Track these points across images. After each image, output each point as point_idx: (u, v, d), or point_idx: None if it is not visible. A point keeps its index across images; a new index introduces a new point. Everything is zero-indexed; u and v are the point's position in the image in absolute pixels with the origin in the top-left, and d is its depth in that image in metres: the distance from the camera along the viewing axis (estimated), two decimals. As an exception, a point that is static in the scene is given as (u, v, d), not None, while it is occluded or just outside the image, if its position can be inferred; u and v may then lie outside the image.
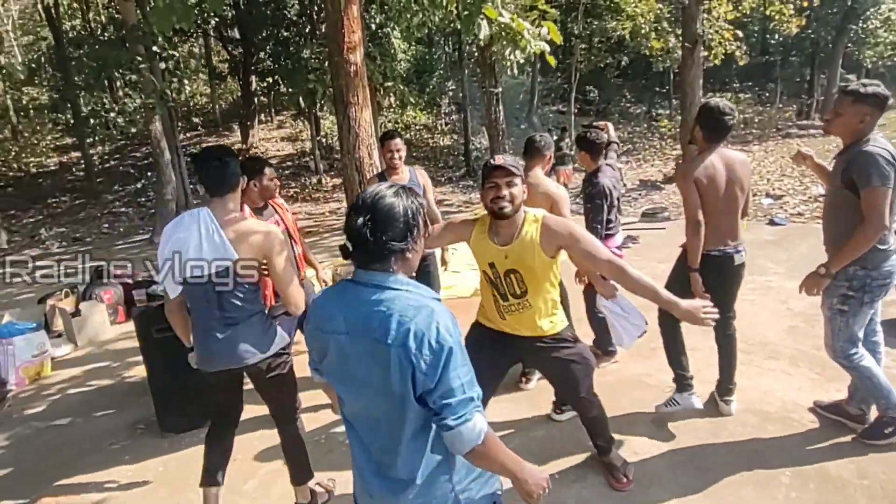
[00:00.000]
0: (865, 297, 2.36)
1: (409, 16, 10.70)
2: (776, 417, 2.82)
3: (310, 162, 16.14)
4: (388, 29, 12.24)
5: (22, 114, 20.26)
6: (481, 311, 2.34)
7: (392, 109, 17.66)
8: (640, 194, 10.46)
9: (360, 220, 1.22)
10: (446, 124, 19.27)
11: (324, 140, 16.39)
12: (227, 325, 2.15)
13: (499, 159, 1.99)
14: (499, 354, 2.27)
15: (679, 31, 12.99)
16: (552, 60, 3.97)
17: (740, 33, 11.53)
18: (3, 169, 17.39)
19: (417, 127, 18.84)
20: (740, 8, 11.51)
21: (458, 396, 1.19)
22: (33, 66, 20.00)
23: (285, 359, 2.34)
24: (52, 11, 15.26)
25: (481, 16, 3.78)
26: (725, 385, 2.88)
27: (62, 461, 3.16)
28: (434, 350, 1.18)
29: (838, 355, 2.48)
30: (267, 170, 2.86)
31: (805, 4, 11.33)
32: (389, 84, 10.39)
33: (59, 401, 4.01)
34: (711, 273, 2.61)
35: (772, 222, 7.00)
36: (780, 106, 20.21)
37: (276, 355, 2.28)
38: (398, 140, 3.40)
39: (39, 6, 16.80)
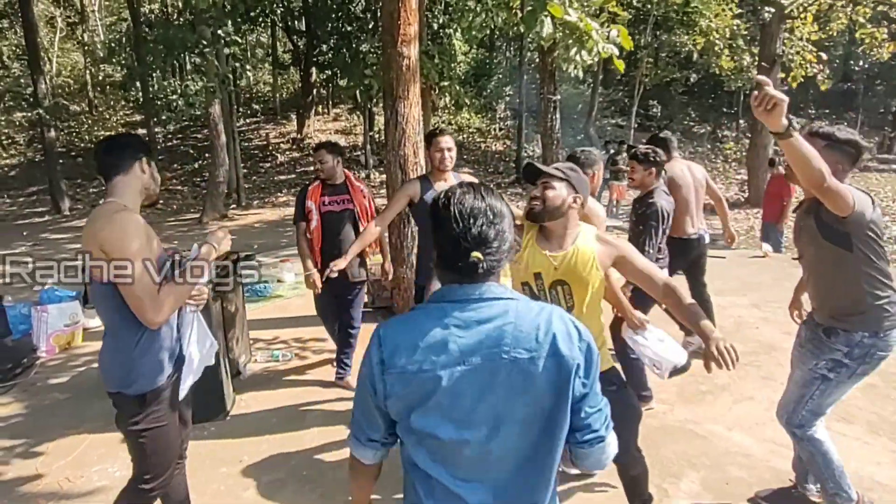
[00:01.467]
0: (860, 369, 1.98)
1: (471, 16, 10.52)
2: (848, 494, 2.42)
3: (360, 156, 16.22)
4: (450, 30, 12.10)
5: (98, 89, 21.37)
6: None
7: (447, 110, 17.54)
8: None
9: (491, 227, 1.03)
10: (500, 129, 19.00)
11: (376, 136, 16.44)
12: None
13: (534, 165, 1.94)
14: None
15: (755, 50, 12.27)
16: (620, 65, 3.66)
17: (824, 56, 10.73)
18: (76, 139, 18.31)
19: (471, 130, 18.66)
20: (827, 29, 10.72)
21: (602, 402, 1.12)
22: (113, 45, 21.06)
23: (149, 414, 1.79)
24: (133, -7, 15.97)
25: (546, 13, 3.51)
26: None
27: (75, 436, 3.10)
28: (582, 349, 1.05)
29: (792, 423, 2.11)
30: (314, 154, 3.47)
31: (901, 29, 10.44)
32: (446, 84, 10.23)
33: (83, 373, 4.01)
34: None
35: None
36: (861, 137, 18.82)
37: (136, 399, 1.77)
38: (448, 138, 2.96)
39: (123, -12, 17.62)
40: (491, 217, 1.04)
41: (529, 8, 3.58)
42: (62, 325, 4.35)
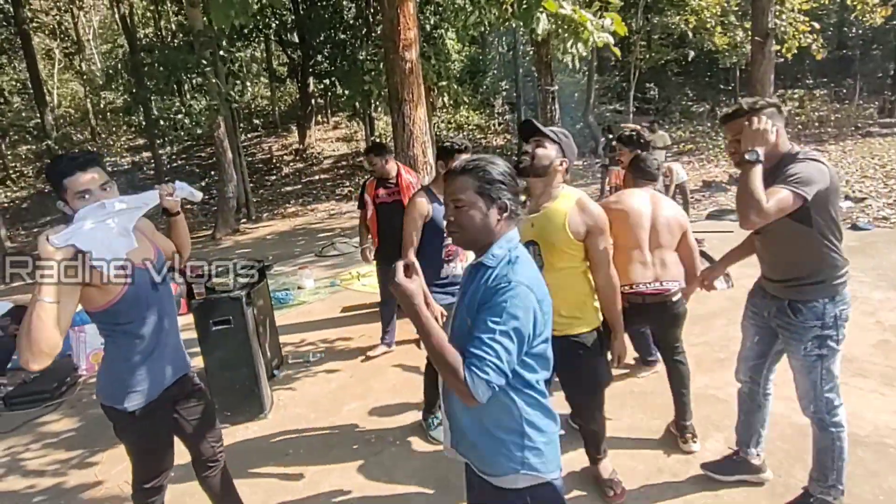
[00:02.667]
0: (841, 332, 1.99)
1: (464, 15, 10.64)
2: (868, 443, 2.53)
3: (364, 162, 16.38)
4: (442, 30, 12.23)
5: (100, 116, 21.69)
6: None
7: (445, 109, 17.67)
8: (703, 195, 9.94)
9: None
10: (499, 124, 19.11)
11: (378, 140, 16.63)
12: None
13: (532, 123, 2.11)
14: None
15: (747, 25, 12.31)
16: (617, 52, 3.79)
17: (817, 25, 10.76)
18: (83, 168, 18.58)
19: (470, 127, 18.78)
20: (818, -2, 10.76)
21: None
22: (111, 71, 21.34)
23: (140, 430, 1.81)
24: (128, 20, 16.24)
25: (541, 9, 3.65)
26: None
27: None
28: None
29: (821, 411, 2.04)
30: (364, 157, 4.17)
31: (892, -8, 10.45)
32: (443, 84, 10.36)
33: (124, 388, 4.18)
34: None
35: (854, 227, 6.46)
36: (860, 103, 18.81)
37: (127, 414, 1.77)
38: (465, 156, 2.89)
39: (116, 16, 17.88)
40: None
41: (525, 6, 3.71)
42: (99, 343, 4.53)
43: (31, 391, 3.96)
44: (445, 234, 2.76)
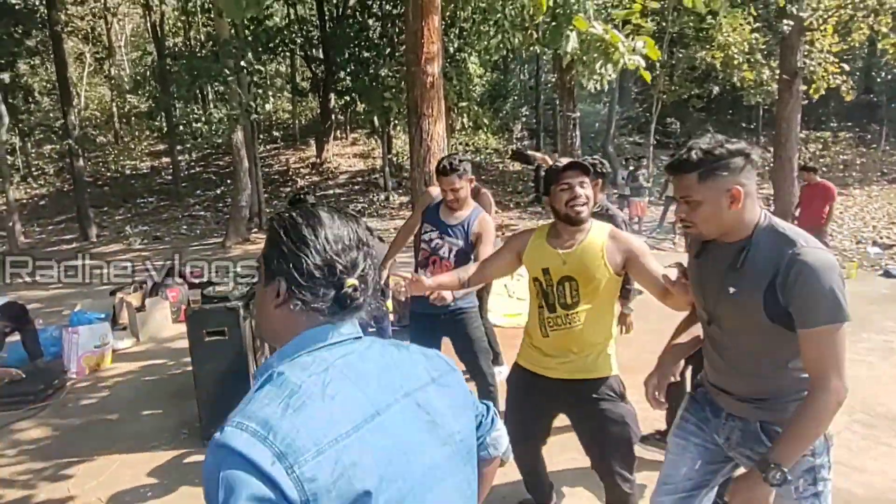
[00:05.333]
0: (831, 454, 1.46)
1: (487, 39, 10.63)
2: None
3: (379, 179, 16.36)
4: (465, 54, 12.26)
5: (124, 120, 22.05)
6: (523, 345, 2.10)
7: (464, 132, 17.68)
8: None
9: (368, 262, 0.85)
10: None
11: (394, 159, 16.61)
12: None
13: (565, 160, 1.95)
14: (544, 399, 2.02)
15: (774, 64, 12.17)
16: (647, 76, 3.63)
17: (847, 67, 10.58)
18: (102, 169, 18.82)
19: (488, 151, 18.75)
20: (849, 40, 10.59)
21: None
22: (138, 77, 21.80)
23: None
24: (158, 29, 16.57)
25: (571, 27, 3.51)
26: None
27: (105, 457, 3.08)
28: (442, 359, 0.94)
29: None
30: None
31: (925, 39, 10.23)
32: (464, 104, 10.30)
33: (111, 395, 4.00)
34: None
35: (886, 274, 6.18)
36: (886, 149, 18.51)
37: None
38: (454, 177, 2.58)
39: (148, 24, 18.28)
40: (362, 243, 0.84)
41: (553, 23, 3.58)
42: (92, 346, 4.37)
43: (14, 392, 3.79)
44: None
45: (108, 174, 18.52)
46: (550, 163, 3.20)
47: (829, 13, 10.15)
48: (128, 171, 18.80)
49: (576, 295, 1.87)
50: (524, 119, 19.81)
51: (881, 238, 8.81)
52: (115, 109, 21.22)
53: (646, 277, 1.82)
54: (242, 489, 0.63)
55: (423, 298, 2.30)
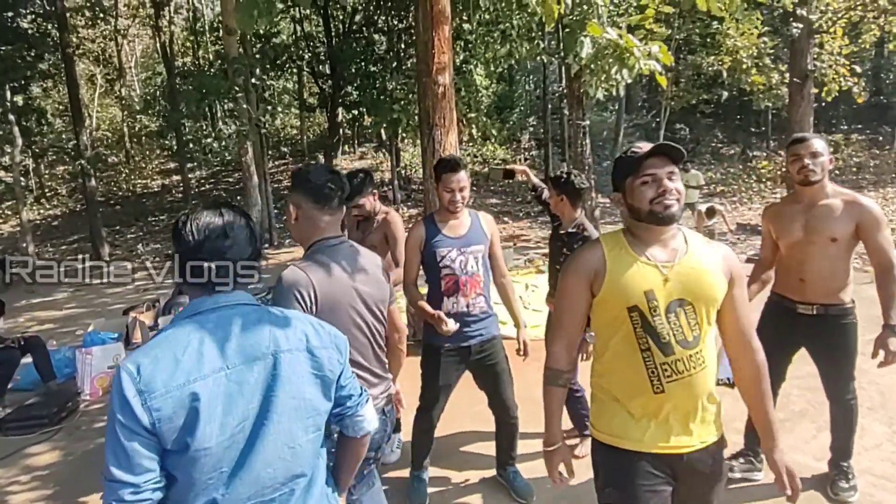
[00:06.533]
0: None
1: (493, 50, 10.66)
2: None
3: (388, 192, 16.38)
4: (472, 66, 12.30)
5: (135, 140, 22.32)
6: (606, 414, 1.47)
7: (472, 143, 17.70)
8: (738, 238, 9.55)
9: (225, 240, 1.12)
10: (525, 160, 19.04)
11: (403, 171, 16.63)
12: None
13: (670, 145, 1.39)
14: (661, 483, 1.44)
15: (783, 68, 12.08)
16: (663, 81, 3.57)
17: (858, 69, 10.47)
18: (114, 188, 19.01)
19: (496, 161, 18.74)
20: (859, 41, 10.49)
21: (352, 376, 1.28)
22: (148, 98, 22.09)
23: None
24: (168, 49, 16.80)
25: (585, 33, 3.46)
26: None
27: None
28: (333, 339, 1.22)
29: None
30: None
31: (937, 38, 10.14)
32: (472, 115, 10.29)
33: (126, 416, 3.95)
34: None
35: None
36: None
37: None
38: (462, 175, 2.36)
39: (158, 44, 18.55)
40: (228, 231, 1.12)
41: (568, 30, 3.54)
42: (106, 366, 4.33)
43: (29, 416, 3.75)
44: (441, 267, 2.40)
45: (120, 193, 18.70)
46: (531, 174, 3.10)
47: (839, 15, 10.07)
48: (139, 190, 18.99)
49: (696, 326, 1.39)
50: (531, 129, 19.80)
51: (901, 241, 8.62)
52: (125, 129, 21.50)
53: (735, 317, 1.45)
54: (117, 403, 0.99)
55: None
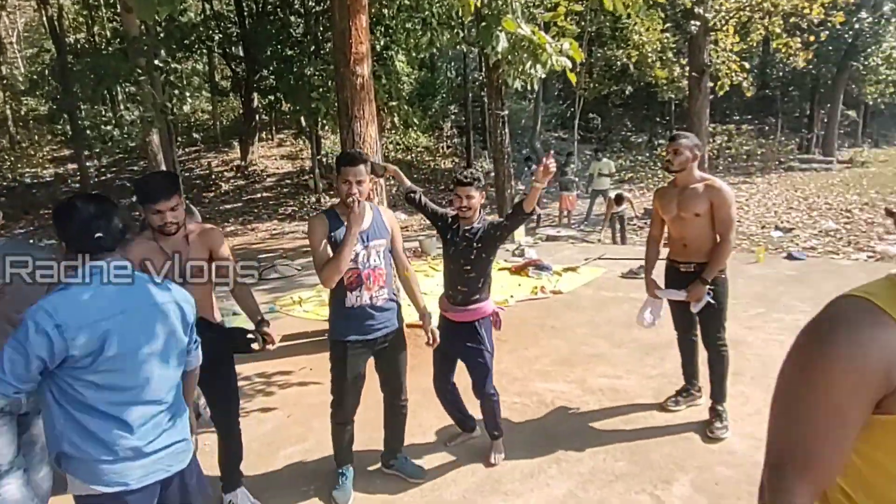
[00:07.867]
0: None
1: (414, 38, 10.61)
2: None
3: (309, 181, 15.94)
4: (392, 52, 12.18)
5: (21, 124, 20.11)
6: None
7: (394, 131, 17.57)
8: (645, 223, 10.22)
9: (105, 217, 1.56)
10: (448, 147, 19.19)
11: (324, 159, 16.23)
12: None
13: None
14: None
15: (684, 62, 12.99)
16: (573, 77, 3.75)
17: (747, 65, 11.47)
18: (-2, 178, 17.10)
19: (419, 149, 18.74)
20: (748, 40, 11.48)
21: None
22: (35, 77, 19.91)
23: None
24: (56, 24, 15.21)
25: (500, 28, 3.56)
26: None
27: None
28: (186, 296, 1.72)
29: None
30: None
31: (811, 39, 11.27)
32: (394, 104, 10.21)
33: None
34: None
35: (790, 256, 6.73)
36: (782, 139, 20.29)
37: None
38: (361, 168, 2.30)
39: (44, 18, 16.74)
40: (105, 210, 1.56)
41: (484, 24, 3.61)
42: None
43: None
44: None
45: (5, 183, 16.86)
46: (402, 176, 2.91)
47: (731, 14, 10.95)
48: (27, 180, 17.20)
49: None
50: (453, 117, 19.96)
51: (782, 223, 9.62)
52: (9, 112, 19.33)
53: None
54: (32, 333, 1.39)
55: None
